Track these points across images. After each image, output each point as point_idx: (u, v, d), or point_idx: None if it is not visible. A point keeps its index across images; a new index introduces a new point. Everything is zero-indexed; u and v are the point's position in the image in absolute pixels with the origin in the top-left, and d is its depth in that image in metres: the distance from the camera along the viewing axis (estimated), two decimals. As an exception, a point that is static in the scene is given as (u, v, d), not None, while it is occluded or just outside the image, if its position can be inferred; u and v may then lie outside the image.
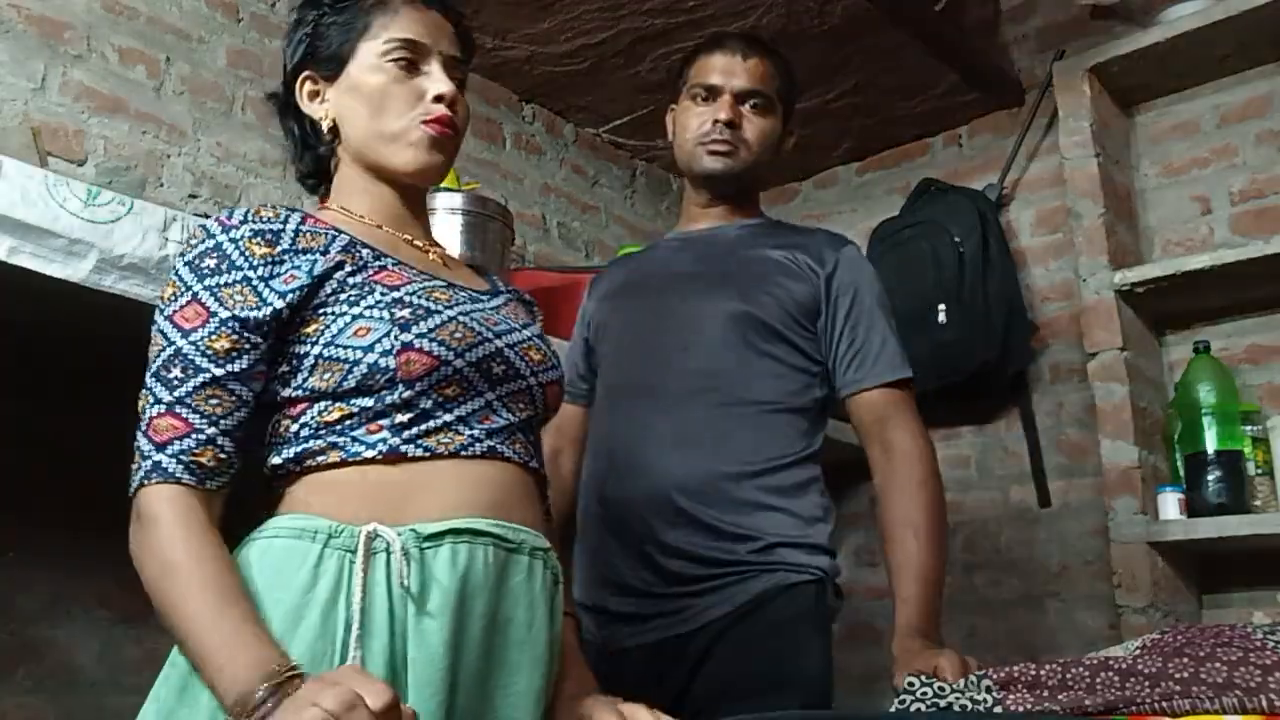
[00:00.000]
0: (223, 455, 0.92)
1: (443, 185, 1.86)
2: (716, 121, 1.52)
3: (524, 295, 1.27)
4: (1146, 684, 1.00)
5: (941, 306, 2.24)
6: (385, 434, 0.96)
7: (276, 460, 0.97)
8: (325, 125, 1.11)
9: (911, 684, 1.12)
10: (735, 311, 1.47)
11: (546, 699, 1.00)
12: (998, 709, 1.04)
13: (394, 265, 1.04)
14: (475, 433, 0.99)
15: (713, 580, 1.37)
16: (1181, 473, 1.96)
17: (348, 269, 1.00)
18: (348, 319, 0.97)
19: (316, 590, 0.89)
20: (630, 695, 1.08)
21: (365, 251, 1.04)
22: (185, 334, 0.93)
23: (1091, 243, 2.07)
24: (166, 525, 0.88)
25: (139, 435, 0.92)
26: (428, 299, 1.00)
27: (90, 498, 1.10)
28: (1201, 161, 2.21)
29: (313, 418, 0.97)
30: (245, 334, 0.94)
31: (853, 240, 1.58)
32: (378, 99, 1.09)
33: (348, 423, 0.96)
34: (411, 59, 1.10)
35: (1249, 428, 1.94)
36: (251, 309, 0.95)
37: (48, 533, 1.15)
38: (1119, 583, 1.92)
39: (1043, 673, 1.06)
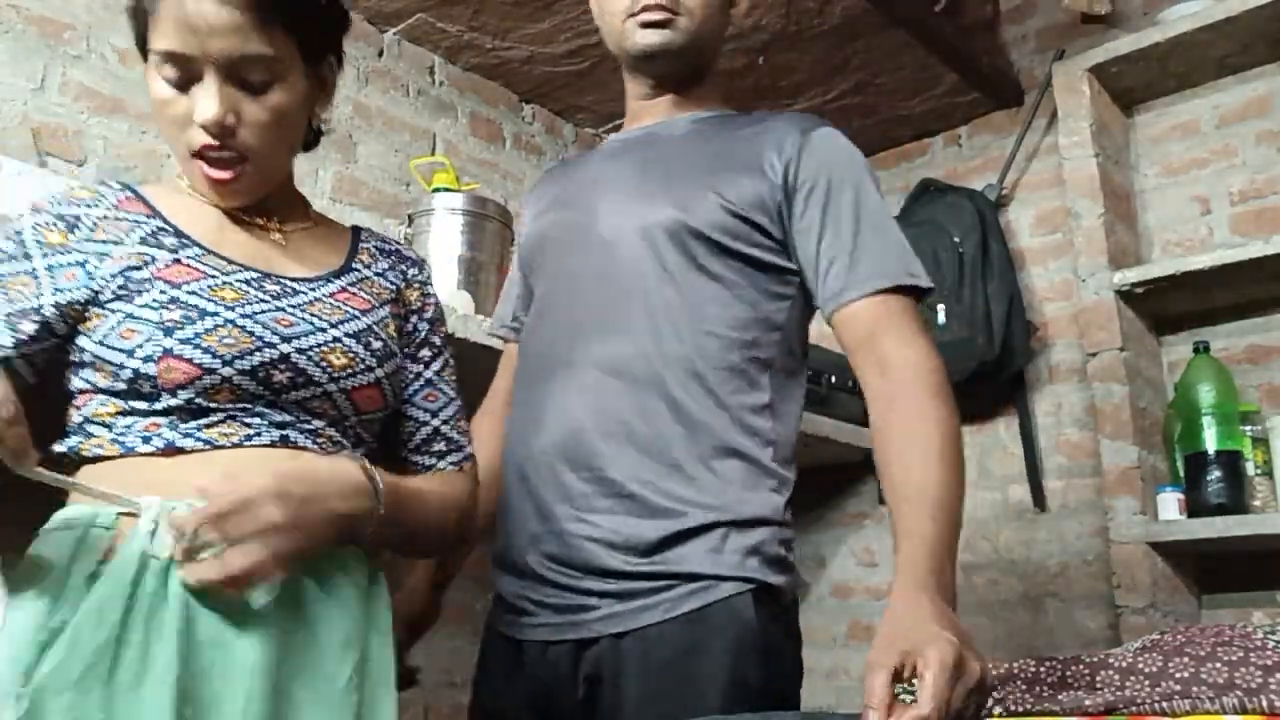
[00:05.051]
0: None
1: (442, 185, 1.86)
2: None
3: (393, 268, 1.12)
4: (1147, 683, 1.00)
5: (941, 306, 2.24)
6: (164, 429, 0.93)
7: (59, 449, 0.96)
8: None
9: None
10: (665, 223, 1.20)
11: (362, 637, 0.97)
12: (997, 709, 1.04)
13: (193, 258, 0.98)
14: (263, 423, 0.95)
15: (620, 581, 1.13)
16: (1181, 473, 1.96)
17: (132, 264, 0.96)
18: (120, 317, 0.94)
19: (79, 565, 0.88)
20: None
21: (169, 241, 0.99)
22: None
23: (1091, 243, 2.07)
24: None
25: None
26: (209, 298, 0.95)
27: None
28: (1201, 162, 2.21)
29: (92, 411, 0.95)
30: (19, 323, 0.94)
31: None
32: (157, 114, 0.99)
33: (124, 419, 0.94)
34: (181, 75, 0.95)
35: (1249, 428, 1.94)
36: (30, 300, 0.95)
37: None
38: (1118, 583, 1.92)
39: (1042, 670, 1.06)
